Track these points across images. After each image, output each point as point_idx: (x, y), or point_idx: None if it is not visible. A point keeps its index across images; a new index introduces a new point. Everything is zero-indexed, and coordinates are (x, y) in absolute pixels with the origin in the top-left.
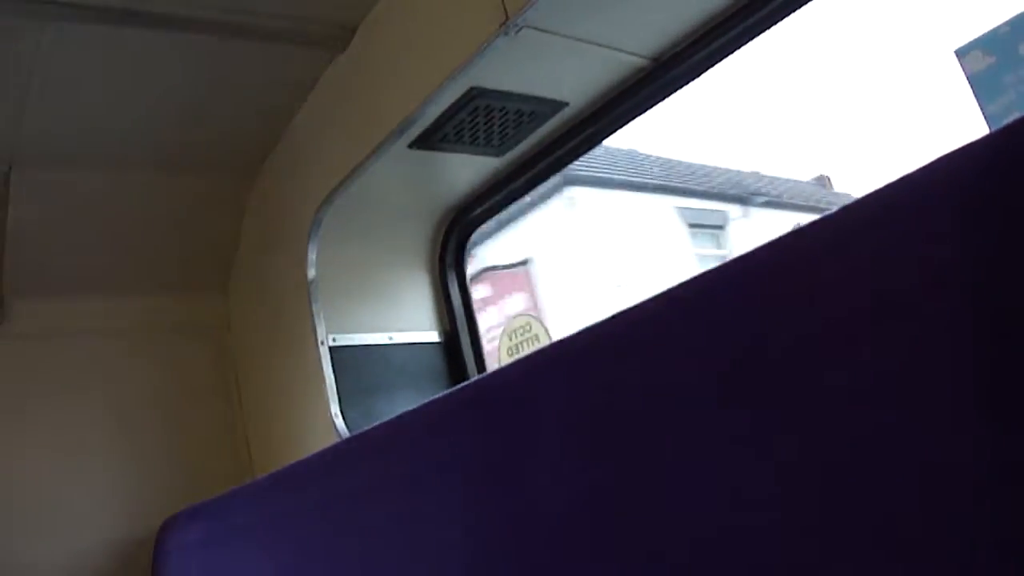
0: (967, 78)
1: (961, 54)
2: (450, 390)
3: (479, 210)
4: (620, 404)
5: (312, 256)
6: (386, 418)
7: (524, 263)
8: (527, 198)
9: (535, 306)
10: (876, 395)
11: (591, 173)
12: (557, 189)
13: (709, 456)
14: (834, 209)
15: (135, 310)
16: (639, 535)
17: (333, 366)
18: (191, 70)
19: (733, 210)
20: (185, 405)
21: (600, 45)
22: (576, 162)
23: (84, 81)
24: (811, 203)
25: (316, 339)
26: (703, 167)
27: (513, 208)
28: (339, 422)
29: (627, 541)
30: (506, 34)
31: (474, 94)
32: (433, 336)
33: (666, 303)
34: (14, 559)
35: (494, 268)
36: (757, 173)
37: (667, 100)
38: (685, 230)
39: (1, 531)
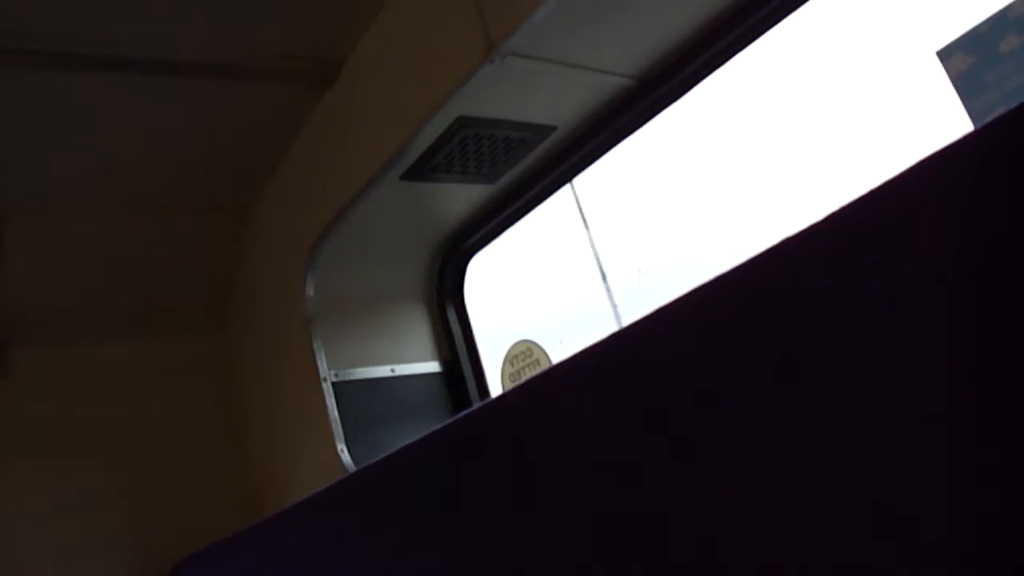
0: (951, 79)
1: (944, 56)
2: (452, 419)
3: (475, 238)
4: (625, 424)
5: (310, 292)
6: (391, 450)
7: None
8: None
9: None
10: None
11: None
12: None
13: (715, 475)
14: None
15: (136, 354)
16: (650, 556)
17: (336, 401)
18: (180, 112)
19: None
20: (190, 447)
21: (585, 68)
22: None
23: (74, 128)
24: None
25: (318, 375)
26: None
27: None
28: (345, 456)
29: (639, 563)
30: (491, 62)
31: (462, 123)
32: (435, 366)
33: (673, 313)
34: None
35: None
36: None
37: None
38: None
39: None
